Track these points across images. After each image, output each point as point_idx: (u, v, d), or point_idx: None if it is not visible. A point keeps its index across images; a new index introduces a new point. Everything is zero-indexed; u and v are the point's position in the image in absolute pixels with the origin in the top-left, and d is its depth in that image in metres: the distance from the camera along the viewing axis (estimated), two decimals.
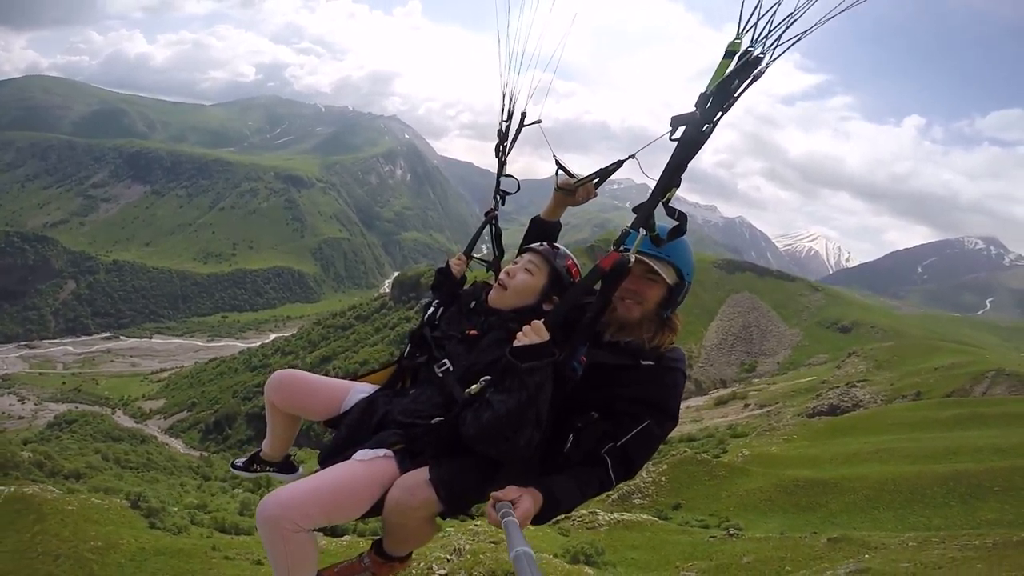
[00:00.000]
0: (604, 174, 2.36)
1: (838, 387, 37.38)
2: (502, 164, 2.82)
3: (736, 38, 1.57)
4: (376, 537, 2.39)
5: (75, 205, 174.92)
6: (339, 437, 2.23)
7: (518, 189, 2.77)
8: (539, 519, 1.89)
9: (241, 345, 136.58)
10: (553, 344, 1.87)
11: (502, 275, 2.37)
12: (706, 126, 1.66)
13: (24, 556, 10.25)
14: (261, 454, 2.79)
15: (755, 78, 1.61)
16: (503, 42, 2.58)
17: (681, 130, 1.67)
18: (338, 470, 2.03)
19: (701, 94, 1.63)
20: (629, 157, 2.10)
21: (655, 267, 2.06)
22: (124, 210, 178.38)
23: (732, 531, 13.84)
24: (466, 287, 2.68)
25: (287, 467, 2.83)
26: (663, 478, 19.93)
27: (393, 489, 1.99)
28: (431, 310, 2.57)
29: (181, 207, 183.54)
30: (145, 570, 8.25)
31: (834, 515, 14.77)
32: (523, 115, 2.81)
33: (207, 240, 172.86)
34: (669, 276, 2.11)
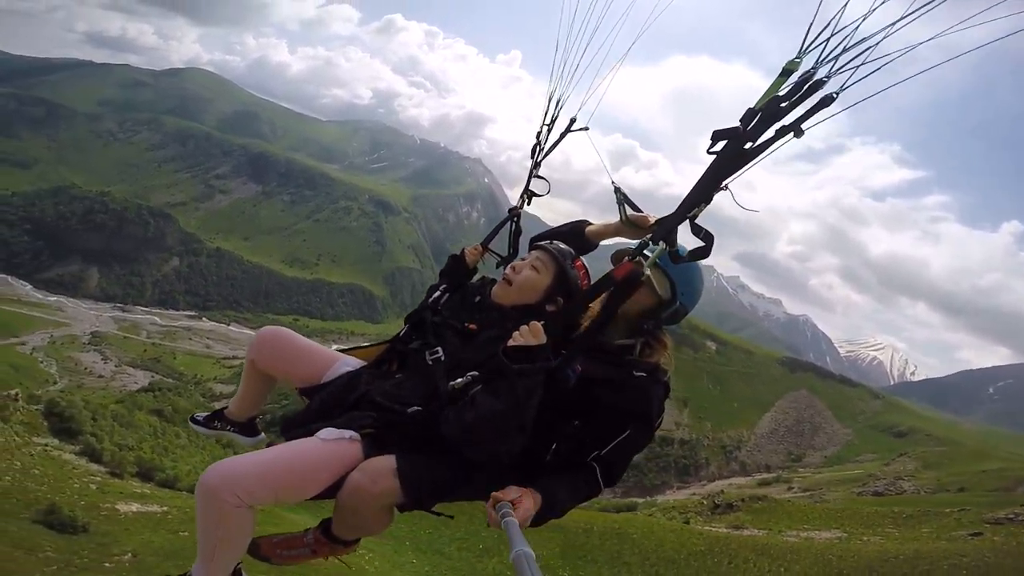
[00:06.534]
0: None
1: (885, 479, 38.18)
2: (536, 164, 2.81)
3: (796, 57, 1.44)
4: (328, 517, 2.23)
5: (196, 191, 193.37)
6: (310, 409, 2.13)
7: (548, 191, 2.80)
8: (534, 521, 1.86)
9: None
10: (549, 350, 1.82)
11: (507, 270, 2.32)
12: (749, 144, 1.57)
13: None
14: (226, 412, 2.63)
15: (820, 106, 1.45)
16: (560, 46, 2.56)
17: (721, 144, 1.60)
18: (296, 447, 1.91)
19: (748, 109, 1.54)
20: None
21: (649, 274, 1.90)
22: (235, 204, 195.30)
23: None
24: (474, 280, 2.62)
25: (249, 429, 2.66)
26: None
27: (355, 472, 1.88)
28: (436, 294, 2.52)
29: (282, 211, 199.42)
30: None
31: None
32: (572, 120, 2.74)
33: (297, 246, 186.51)
34: (661, 288, 2.08)
